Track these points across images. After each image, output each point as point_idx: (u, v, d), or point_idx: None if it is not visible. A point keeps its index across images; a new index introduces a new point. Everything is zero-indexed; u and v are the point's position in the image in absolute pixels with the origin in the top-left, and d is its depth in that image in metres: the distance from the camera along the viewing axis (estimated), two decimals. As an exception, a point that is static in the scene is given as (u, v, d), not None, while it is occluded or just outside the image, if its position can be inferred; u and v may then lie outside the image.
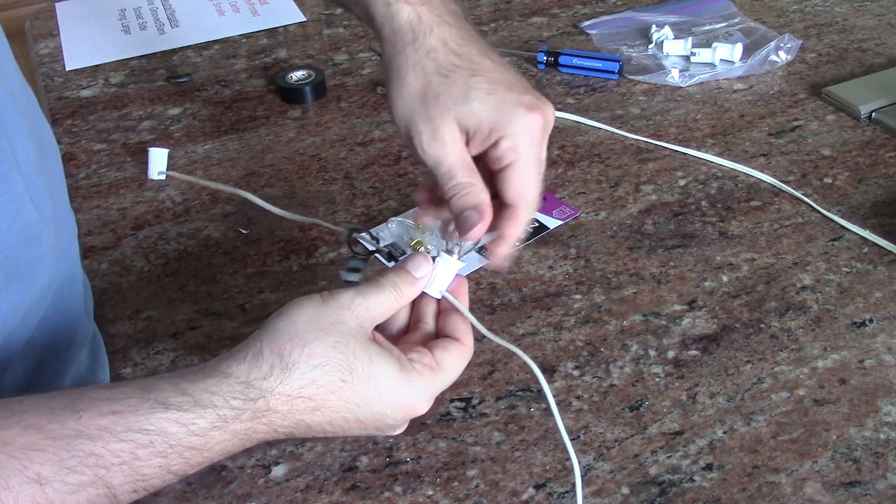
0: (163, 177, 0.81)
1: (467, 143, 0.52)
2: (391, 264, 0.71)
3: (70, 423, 0.41)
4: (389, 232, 0.74)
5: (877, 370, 0.62)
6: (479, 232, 0.51)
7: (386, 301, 0.50)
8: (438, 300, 0.53)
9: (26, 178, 0.52)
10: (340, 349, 0.47)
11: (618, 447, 0.57)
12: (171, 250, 0.74)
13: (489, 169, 0.53)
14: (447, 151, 0.51)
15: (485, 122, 0.51)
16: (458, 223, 0.51)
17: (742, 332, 0.65)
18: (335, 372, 0.46)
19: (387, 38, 0.53)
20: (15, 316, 0.52)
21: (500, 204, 0.53)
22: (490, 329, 0.65)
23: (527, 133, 0.51)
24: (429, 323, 0.54)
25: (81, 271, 0.64)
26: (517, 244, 0.55)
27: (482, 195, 0.51)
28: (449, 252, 0.53)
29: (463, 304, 0.53)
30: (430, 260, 0.52)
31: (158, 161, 0.82)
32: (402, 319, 0.54)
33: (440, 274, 0.52)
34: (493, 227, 0.53)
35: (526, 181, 0.52)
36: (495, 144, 0.51)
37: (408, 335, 0.53)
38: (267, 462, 0.56)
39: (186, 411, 0.43)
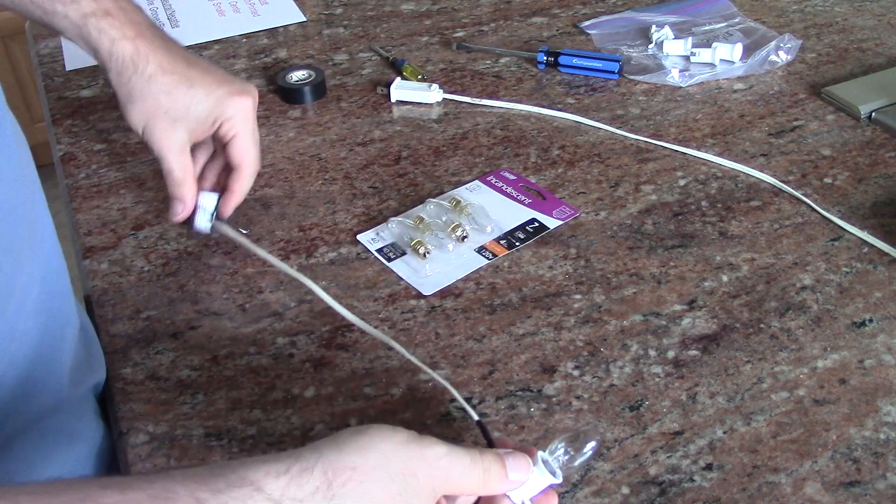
0: (207, 229, 0.71)
1: (195, 135, 0.68)
2: (387, 265, 0.71)
3: None
4: (389, 232, 0.74)
5: (877, 370, 0.62)
6: (181, 217, 0.70)
7: (469, 479, 0.45)
8: None
9: None
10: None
11: (618, 447, 0.57)
12: (171, 250, 0.74)
13: (219, 144, 0.71)
14: (171, 154, 0.67)
15: (207, 118, 0.67)
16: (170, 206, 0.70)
17: (742, 332, 0.65)
18: None
19: (114, 69, 0.65)
20: None
21: (229, 167, 0.71)
22: (489, 329, 0.65)
23: (240, 112, 0.68)
24: None
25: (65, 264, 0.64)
26: (243, 198, 0.72)
27: (188, 190, 0.69)
28: (546, 463, 0.48)
29: None
30: (531, 466, 0.48)
31: (208, 207, 0.71)
32: (466, 501, 0.48)
33: (531, 481, 0.48)
34: (227, 187, 0.71)
35: (245, 148, 0.70)
36: (219, 128, 0.68)
37: None
38: (267, 462, 0.56)
39: None
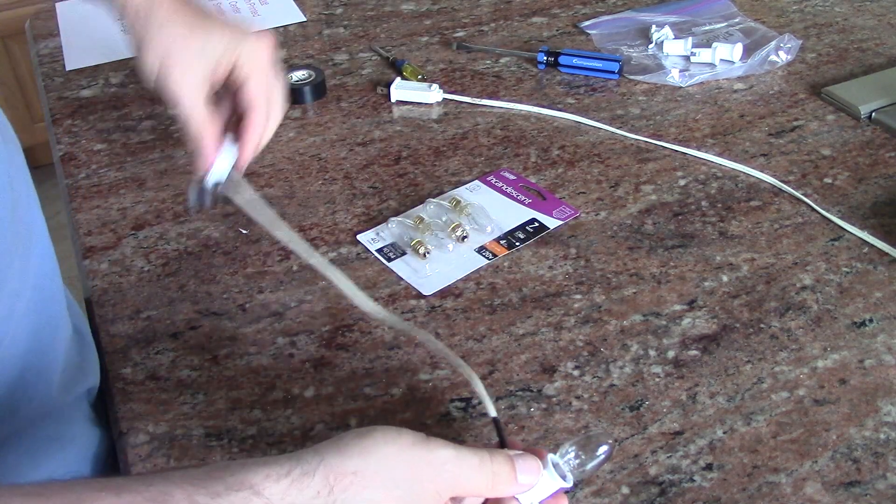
0: (217, 184, 0.65)
1: (211, 79, 0.62)
2: (387, 265, 0.71)
3: None
4: (389, 232, 0.74)
5: (877, 370, 0.62)
6: (207, 162, 0.63)
7: (478, 482, 0.44)
8: None
9: None
10: None
11: (618, 447, 0.57)
12: (171, 250, 0.74)
13: (233, 90, 0.65)
14: (186, 98, 0.61)
15: (222, 58, 0.62)
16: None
17: (742, 332, 0.65)
18: None
19: (129, 15, 0.62)
20: None
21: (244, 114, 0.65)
22: (489, 329, 0.65)
23: (255, 54, 0.63)
24: None
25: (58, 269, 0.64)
26: (260, 144, 0.66)
27: (207, 139, 0.62)
28: (556, 467, 0.48)
29: None
30: (541, 469, 0.47)
31: (221, 161, 0.65)
32: (474, 502, 0.47)
33: (541, 484, 0.47)
34: (238, 138, 0.65)
35: (257, 90, 0.64)
36: (233, 70, 0.63)
37: None
38: (267, 462, 0.56)
39: None
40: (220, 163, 0.64)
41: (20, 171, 0.58)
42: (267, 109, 0.65)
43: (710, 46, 0.97)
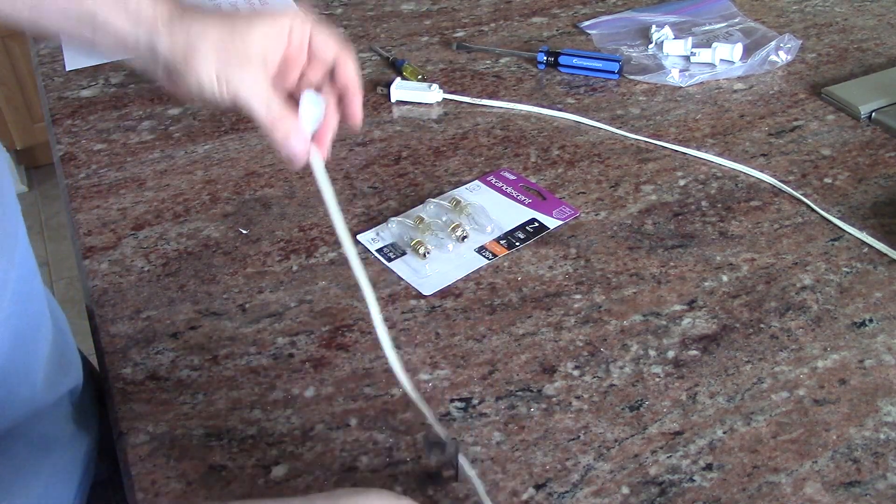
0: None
1: (272, 63, 0.56)
2: (387, 265, 0.71)
3: None
4: (389, 232, 0.74)
5: (877, 370, 0.62)
6: (302, 159, 0.57)
7: None
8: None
9: None
10: None
11: (618, 447, 0.57)
12: (171, 250, 0.74)
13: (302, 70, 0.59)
14: (261, 94, 0.55)
15: (277, 37, 0.56)
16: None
17: (742, 332, 0.65)
18: None
19: (164, 28, 0.55)
20: None
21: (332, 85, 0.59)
22: (489, 329, 0.65)
23: (301, 17, 0.56)
24: None
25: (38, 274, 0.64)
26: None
27: (292, 122, 0.56)
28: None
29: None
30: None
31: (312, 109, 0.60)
32: None
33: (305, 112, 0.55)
34: (339, 88, 0.59)
35: (329, 39, 0.57)
36: (290, 40, 0.56)
37: None
38: (267, 462, 0.56)
39: None
40: (307, 118, 0.58)
41: (3, 175, 0.58)
42: (349, 54, 0.59)
43: (710, 46, 0.97)
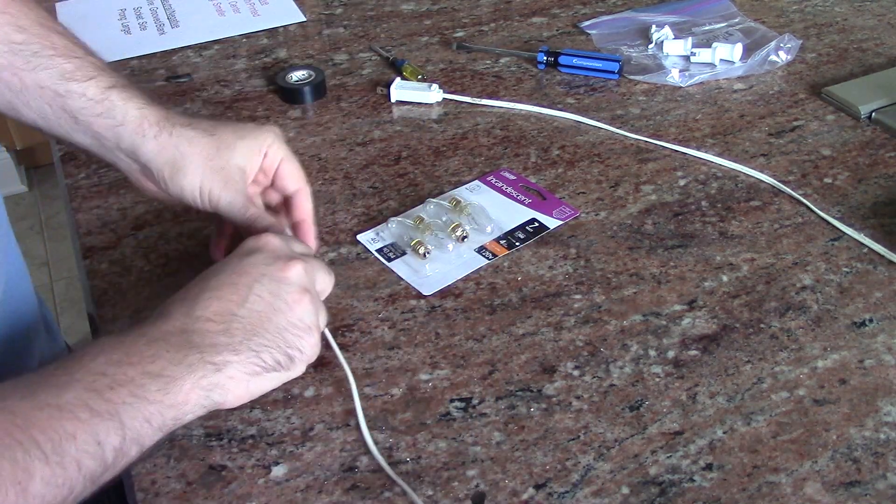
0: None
1: (249, 174, 0.64)
2: (387, 265, 0.71)
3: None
4: (389, 232, 0.74)
5: (877, 370, 0.62)
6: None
7: None
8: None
9: None
10: None
11: (618, 447, 0.57)
12: (171, 250, 0.74)
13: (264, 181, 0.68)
14: (239, 201, 0.63)
15: (252, 150, 0.64)
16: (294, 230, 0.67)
17: (742, 332, 0.65)
18: None
19: (150, 135, 0.62)
20: None
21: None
22: (489, 329, 0.65)
23: (276, 137, 0.66)
24: None
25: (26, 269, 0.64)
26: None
27: (267, 218, 0.64)
28: None
29: None
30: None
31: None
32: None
33: None
34: (294, 219, 0.67)
35: (295, 168, 0.67)
36: (265, 157, 0.65)
37: None
38: (267, 462, 0.56)
39: None
40: None
41: None
42: (308, 188, 0.68)
43: (710, 46, 0.97)
